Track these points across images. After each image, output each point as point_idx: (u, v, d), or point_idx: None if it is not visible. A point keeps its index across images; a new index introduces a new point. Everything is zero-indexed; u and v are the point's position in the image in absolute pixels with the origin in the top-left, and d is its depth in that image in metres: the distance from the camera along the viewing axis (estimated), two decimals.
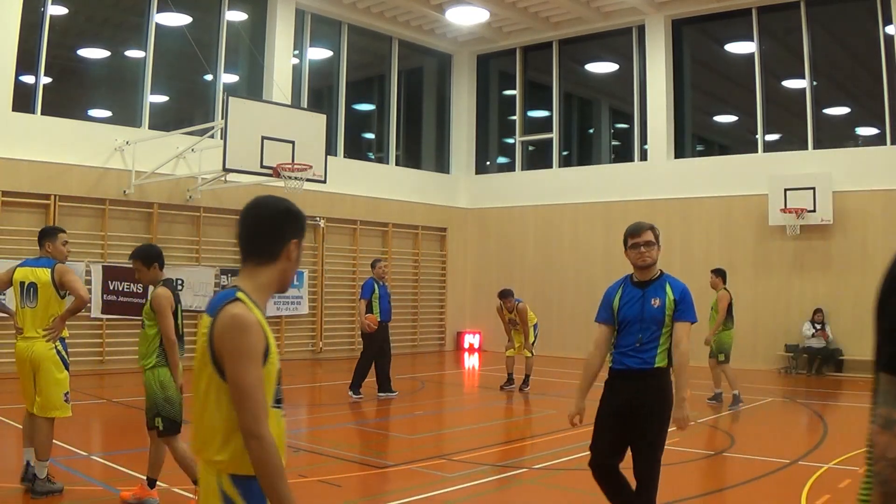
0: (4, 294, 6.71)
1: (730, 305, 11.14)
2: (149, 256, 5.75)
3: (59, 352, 6.02)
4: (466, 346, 19.25)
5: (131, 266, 5.81)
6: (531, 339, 12.43)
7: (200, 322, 2.48)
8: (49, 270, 6.04)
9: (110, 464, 6.95)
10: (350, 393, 11.14)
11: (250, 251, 2.55)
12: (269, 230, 2.53)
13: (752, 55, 16.41)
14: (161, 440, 5.66)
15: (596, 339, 4.85)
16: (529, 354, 12.41)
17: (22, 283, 6.07)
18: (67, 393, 6.09)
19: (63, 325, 6.05)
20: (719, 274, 11.47)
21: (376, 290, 11.22)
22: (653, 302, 4.65)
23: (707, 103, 18.44)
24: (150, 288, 5.83)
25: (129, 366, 13.45)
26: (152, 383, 5.63)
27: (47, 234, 6.36)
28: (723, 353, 11.08)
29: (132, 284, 13.32)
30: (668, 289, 4.72)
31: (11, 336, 12.66)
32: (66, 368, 6.10)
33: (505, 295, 12.30)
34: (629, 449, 4.58)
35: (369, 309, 11.16)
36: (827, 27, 16.04)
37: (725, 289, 11.32)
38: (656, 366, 4.59)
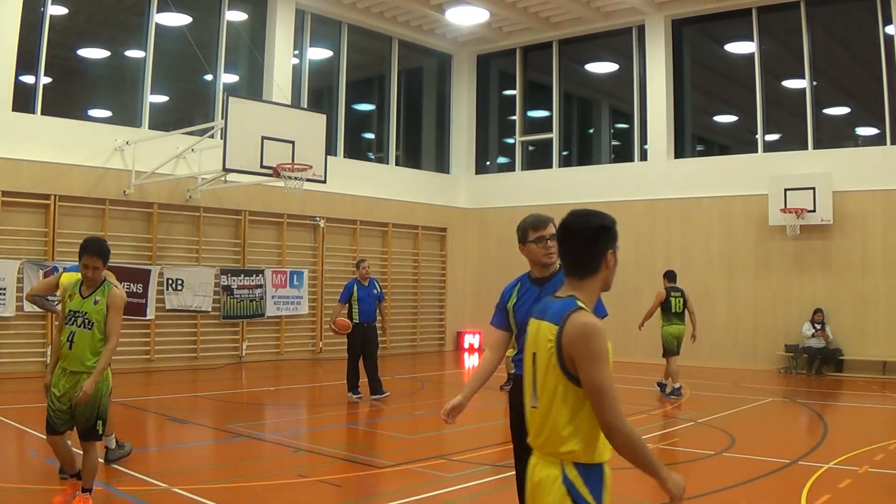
0: (55, 295, 7.41)
1: (668, 302, 11.82)
2: (107, 254, 5.78)
3: None
4: (466, 346, 19.24)
5: (86, 263, 5.47)
6: None
7: (536, 328, 2.78)
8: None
9: (110, 464, 6.94)
10: (349, 394, 11.16)
11: (575, 267, 2.85)
12: (589, 247, 2.86)
13: (752, 55, 16.41)
14: (89, 443, 5.48)
15: (490, 343, 4.44)
16: None
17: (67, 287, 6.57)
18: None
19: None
20: (665, 275, 12.33)
21: (355, 293, 11.18)
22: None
23: (707, 103, 18.43)
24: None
25: (128, 365, 13.47)
26: (102, 386, 5.54)
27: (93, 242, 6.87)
28: (664, 348, 11.84)
29: (132, 284, 13.33)
30: None
31: (12, 336, 12.73)
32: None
33: None
34: None
35: (350, 311, 11.16)
36: (827, 27, 16.03)
37: (668, 288, 12.04)
38: None
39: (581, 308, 2.66)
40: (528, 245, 4.40)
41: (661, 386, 11.98)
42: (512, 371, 12.44)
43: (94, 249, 5.53)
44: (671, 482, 2.79)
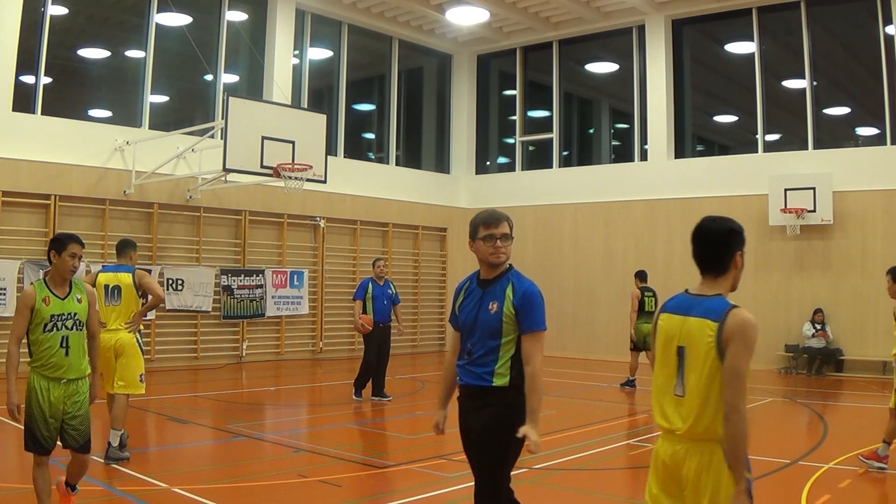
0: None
1: (642, 301, 12.74)
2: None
3: (137, 340, 7.21)
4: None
5: (73, 252, 5.10)
6: None
7: (681, 323, 3.13)
8: (131, 275, 7.34)
9: (110, 464, 6.94)
10: (356, 397, 11.09)
11: (709, 267, 3.26)
12: (721, 249, 3.26)
13: (752, 55, 16.41)
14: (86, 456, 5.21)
15: (451, 345, 4.25)
16: None
17: (106, 286, 7.28)
18: (142, 374, 7.16)
19: (141, 319, 7.31)
20: (637, 275, 13.23)
21: (370, 290, 11.02)
22: (490, 306, 3.91)
23: (707, 103, 18.43)
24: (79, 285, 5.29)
25: None
26: (86, 393, 5.24)
27: (129, 245, 7.66)
28: (632, 342, 12.74)
29: None
30: (508, 291, 3.94)
31: None
32: (143, 354, 7.30)
33: None
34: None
35: (365, 309, 10.99)
36: (827, 27, 16.03)
37: (642, 287, 12.91)
38: (494, 384, 3.84)
39: (737, 305, 3.05)
40: (477, 242, 4.14)
41: (630, 382, 12.82)
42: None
43: (77, 238, 5.18)
44: (744, 497, 2.92)
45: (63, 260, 5.00)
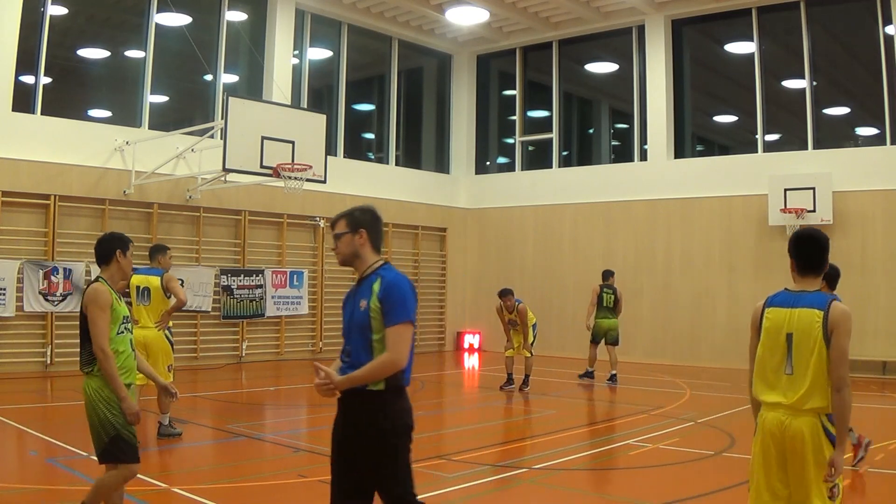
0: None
1: (600, 297, 13.62)
2: None
3: (167, 337, 8.16)
4: (466, 346, 19.24)
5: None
6: (530, 339, 12.43)
7: (788, 315, 3.79)
8: (159, 278, 8.15)
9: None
10: None
11: (811, 268, 3.98)
12: (822, 254, 3.97)
13: (752, 55, 16.41)
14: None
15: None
16: (529, 354, 12.41)
17: (138, 287, 8.18)
18: (171, 365, 8.18)
19: (169, 318, 8.10)
20: (602, 274, 14.01)
21: None
22: (360, 304, 3.80)
23: (707, 103, 18.43)
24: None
25: None
26: None
27: (159, 250, 8.53)
28: (594, 337, 13.58)
29: None
30: (375, 285, 3.81)
31: (11, 336, 12.73)
32: (172, 348, 8.27)
33: (505, 294, 12.29)
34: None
35: None
36: (827, 27, 16.03)
37: (601, 285, 13.75)
38: (369, 388, 3.67)
39: (837, 298, 3.73)
40: None
41: (589, 374, 13.55)
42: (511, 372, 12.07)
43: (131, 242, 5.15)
44: (842, 456, 3.56)
45: (129, 259, 4.95)
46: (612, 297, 13.62)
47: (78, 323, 4.70)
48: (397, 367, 3.64)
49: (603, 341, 13.51)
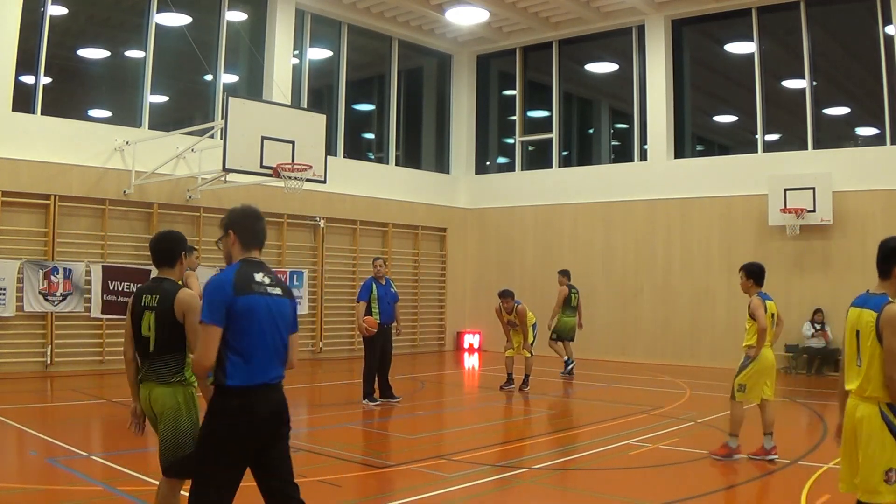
0: None
1: (567, 298, 14.12)
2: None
3: None
4: (466, 346, 19.25)
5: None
6: (530, 339, 12.43)
7: (858, 314, 4.25)
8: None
9: (110, 464, 6.94)
10: (365, 402, 10.70)
11: (880, 273, 4.44)
12: (889, 259, 4.43)
13: (752, 55, 16.41)
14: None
15: None
16: (528, 355, 12.42)
17: None
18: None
19: None
20: (563, 273, 14.50)
21: (374, 291, 10.76)
22: None
23: (707, 103, 18.43)
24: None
25: None
26: None
27: (187, 250, 7.93)
28: (555, 333, 14.07)
29: (132, 284, 13.32)
30: None
31: (12, 336, 12.73)
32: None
33: (504, 295, 12.29)
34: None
35: (368, 311, 10.73)
36: (827, 27, 16.03)
37: (569, 285, 14.24)
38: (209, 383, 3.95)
39: (892, 301, 4.15)
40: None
41: (567, 363, 14.04)
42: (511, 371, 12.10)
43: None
44: None
45: (191, 261, 4.90)
46: (578, 297, 14.29)
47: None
48: (199, 365, 3.81)
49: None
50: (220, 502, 3.80)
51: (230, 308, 3.81)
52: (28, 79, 13.20)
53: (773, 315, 7.87)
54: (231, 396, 3.78)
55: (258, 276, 4.02)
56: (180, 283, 4.64)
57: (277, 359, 3.94)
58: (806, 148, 15.70)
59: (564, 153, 19.42)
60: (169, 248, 4.62)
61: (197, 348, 3.81)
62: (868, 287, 4.50)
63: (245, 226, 4.08)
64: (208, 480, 3.79)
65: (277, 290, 4.08)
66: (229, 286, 3.86)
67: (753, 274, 7.76)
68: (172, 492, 4.45)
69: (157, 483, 6.32)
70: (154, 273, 4.69)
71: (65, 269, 12.87)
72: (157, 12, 14.66)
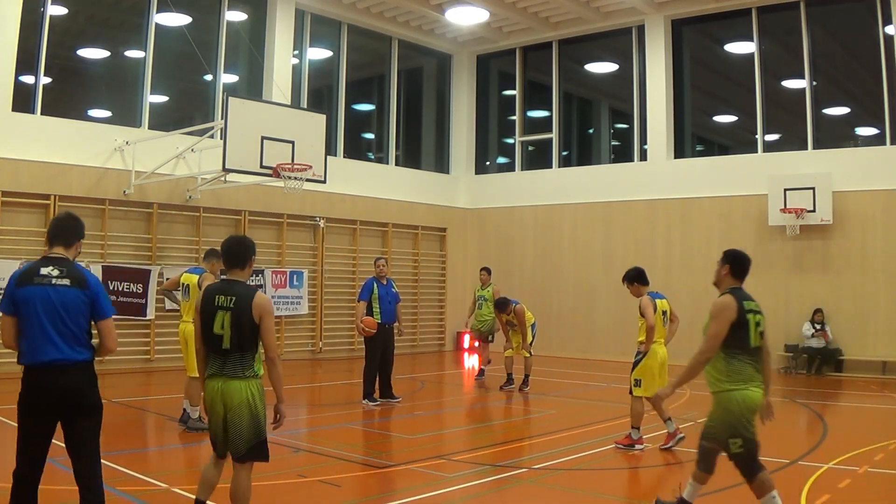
0: (179, 290, 9.12)
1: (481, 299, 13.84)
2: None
3: None
4: (466, 346, 19.24)
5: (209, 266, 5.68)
6: (529, 339, 12.43)
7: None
8: (198, 276, 8.65)
9: (110, 464, 6.93)
10: (365, 402, 10.67)
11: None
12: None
13: (752, 55, 16.41)
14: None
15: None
16: (528, 354, 12.42)
17: (183, 284, 8.90)
18: None
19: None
20: (488, 271, 14.03)
21: (375, 291, 10.75)
22: None
23: (707, 103, 18.43)
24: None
25: (129, 366, 13.47)
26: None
27: (208, 255, 8.93)
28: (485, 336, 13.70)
29: (132, 284, 13.32)
30: None
31: None
32: None
33: (501, 307, 12.40)
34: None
35: (369, 311, 10.72)
36: (827, 27, 16.03)
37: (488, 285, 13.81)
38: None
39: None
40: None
41: (482, 371, 13.67)
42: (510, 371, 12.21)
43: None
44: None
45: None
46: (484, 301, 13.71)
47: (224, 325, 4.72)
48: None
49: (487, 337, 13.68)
50: (24, 456, 4.44)
51: (13, 298, 4.36)
52: (28, 79, 13.20)
53: (664, 312, 8.33)
54: (25, 373, 4.36)
55: (45, 270, 4.39)
56: (250, 284, 5.02)
57: (59, 342, 4.31)
58: (806, 148, 15.71)
59: (564, 153, 19.42)
60: (241, 253, 4.95)
61: None
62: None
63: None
64: (19, 436, 4.45)
65: (65, 281, 4.39)
66: (13, 279, 4.41)
67: (636, 278, 8.72)
68: (248, 476, 4.77)
69: (157, 483, 6.33)
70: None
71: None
72: (157, 12, 14.66)
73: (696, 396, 12.02)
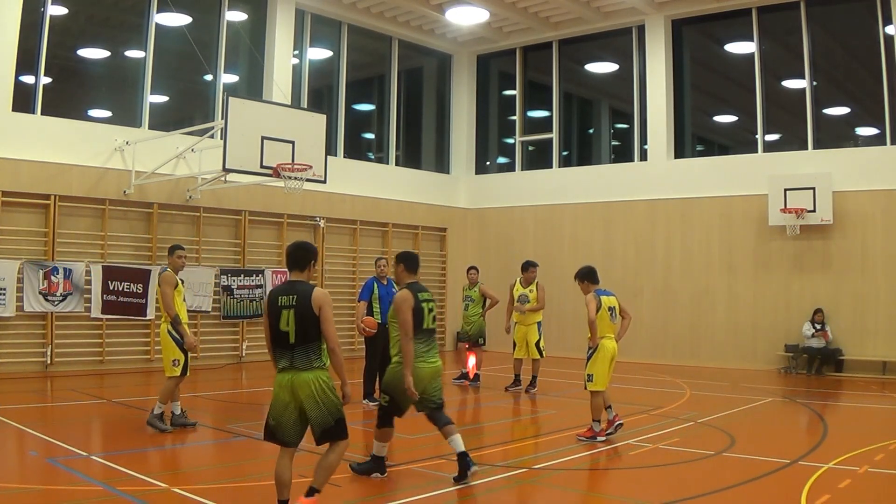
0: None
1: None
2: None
3: (169, 331, 8.61)
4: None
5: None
6: (536, 338, 12.39)
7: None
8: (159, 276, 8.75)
9: (110, 464, 6.94)
10: (365, 402, 10.65)
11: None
12: None
13: (752, 55, 16.41)
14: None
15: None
16: (537, 356, 12.40)
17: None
18: (175, 360, 8.51)
19: (171, 313, 8.55)
20: (476, 270, 13.70)
21: (376, 291, 10.77)
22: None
23: (707, 103, 18.43)
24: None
25: (129, 366, 13.47)
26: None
27: (171, 251, 8.88)
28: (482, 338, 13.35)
29: (132, 284, 13.32)
30: None
31: (12, 336, 12.74)
32: (178, 344, 8.59)
33: (528, 266, 12.58)
34: None
35: (370, 311, 10.73)
36: (827, 27, 16.03)
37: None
38: None
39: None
40: None
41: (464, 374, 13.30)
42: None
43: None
44: None
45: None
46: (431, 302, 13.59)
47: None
48: None
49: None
50: None
51: None
52: (28, 79, 13.20)
53: (610, 309, 8.54)
54: None
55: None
56: (312, 283, 5.53)
57: None
58: (806, 148, 15.71)
59: (564, 153, 19.42)
60: (303, 257, 5.50)
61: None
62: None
63: None
64: None
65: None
66: None
67: (586, 276, 8.88)
68: (338, 454, 5.36)
69: (157, 483, 6.33)
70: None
71: (65, 269, 12.86)
72: (157, 12, 14.66)
73: (695, 396, 12.03)
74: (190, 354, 8.72)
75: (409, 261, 6.92)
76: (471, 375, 13.15)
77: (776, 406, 11.38)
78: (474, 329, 13.10)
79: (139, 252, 13.95)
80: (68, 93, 14.57)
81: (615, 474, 7.44)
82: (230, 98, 12.62)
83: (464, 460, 6.43)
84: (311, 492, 5.27)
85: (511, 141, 20.10)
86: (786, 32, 16.25)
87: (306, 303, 5.22)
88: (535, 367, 12.40)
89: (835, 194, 14.73)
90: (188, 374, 8.66)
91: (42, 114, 13.23)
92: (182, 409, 8.82)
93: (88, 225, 13.42)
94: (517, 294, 12.58)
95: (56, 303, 12.78)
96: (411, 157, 19.88)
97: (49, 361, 12.75)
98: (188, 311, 14.37)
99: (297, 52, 17.01)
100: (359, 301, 11.07)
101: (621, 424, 8.46)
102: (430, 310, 6.70)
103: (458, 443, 6.51)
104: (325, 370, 5.26)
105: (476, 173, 20.36)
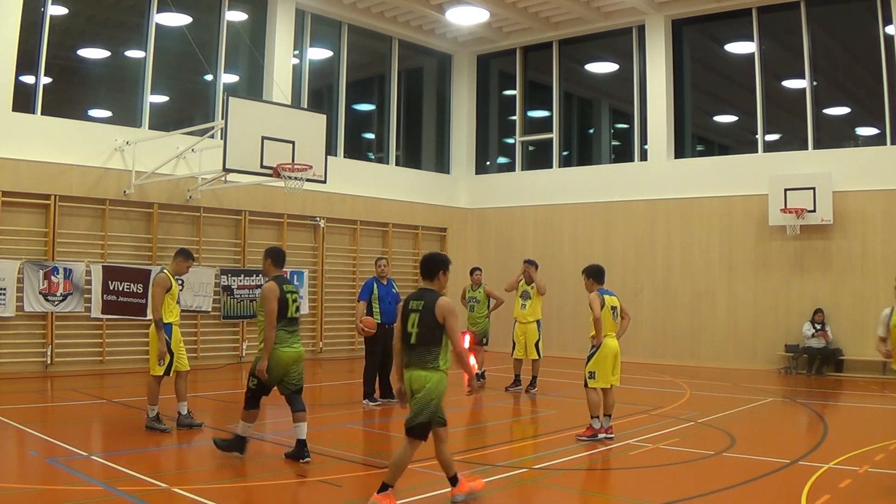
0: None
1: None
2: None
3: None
4: (467, 345, 19.20)
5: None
6: (536, 337, 12.40)
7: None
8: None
9: (110, 464, 6.95)
10: (366, 402, 10.68)
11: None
12: None
13: (752, 55, 16.41)
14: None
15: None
16: (537, 356, 12.40)
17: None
18: (161, 359, 8.56)
19: (155, 315, 8.63)
20: (480, 271, 13.70)
21: (375, 291, 10.79)
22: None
23: (707, 103, 18.43)
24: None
25: (129, 366, 13.46)
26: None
27: (176, 255, 8.94)
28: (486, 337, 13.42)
29: (132, 284, 13.31)
30: None
31: (12, 336, 12.74)
32: (166, 344, 8.60)
33: (532, 263, 12.60)
34: None
35: (369, 311, 10.74)
36: (827, 27, 16.03)
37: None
38: None
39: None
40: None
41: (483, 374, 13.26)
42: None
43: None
44: None
45: (447, 277, 6.33)
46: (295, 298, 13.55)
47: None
48: None
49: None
50: None
51: None
52: (28, 79, 13.20)
53: (612, 308, 8.64)
54: None
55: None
56: (443, 293, 6.06)
57: None
58: (806, 148, 15.71)
59: (564, 153, 19.42)
60: (431, 268, 6.14)
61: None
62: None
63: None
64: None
65: None
66: None
67: (593, 274, 9.01)
68: (409, 450, 5.87)
69: (157, 483, 6.33)
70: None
71: (65, 269, 12.86)
72: (157, 12, 14.66)
73: (696, 396, 12.03)
74: (175, 357, 8.80)
75: (275, 256, 7.59)
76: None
77: (776, 406, 11.38)
78: (479, 329, 13.13)
79: (139, 252, 13.94)
80: (68, 93, 14.58)
81: (615, 474, 7.44)
82: (230, 98, 12.62)
83: (300, 449, 7.06)
84: (385, 486, 5.78)
85: (511, 141, 20.10)
86: (786, 32, 16.25)
87: (430, 310, 5.79)
88: (534, 367, 12.40)
89: (835, 194, 14.73)
90: (171, 374, 8.70)
91: (42, 114, 13.23)
92: (189, 410, 8.86)
93: (88, 225, 13.42)
94: (520, 290, 12.64)
95: (56, 303, 12.78)
96: (411, 157, 19.88)
97: (49, 361, 12.75)
98: (188, 311, 14.55)
99: (297, 52, 17.01)
100: (358, 301, 11.06)
101: (611, 438, 8.40)
102: (294, 300, 7.38)
103: (303, 431, 7.16)
104: (441, 372, 5.83)
105: (476, 173, 20.37)
